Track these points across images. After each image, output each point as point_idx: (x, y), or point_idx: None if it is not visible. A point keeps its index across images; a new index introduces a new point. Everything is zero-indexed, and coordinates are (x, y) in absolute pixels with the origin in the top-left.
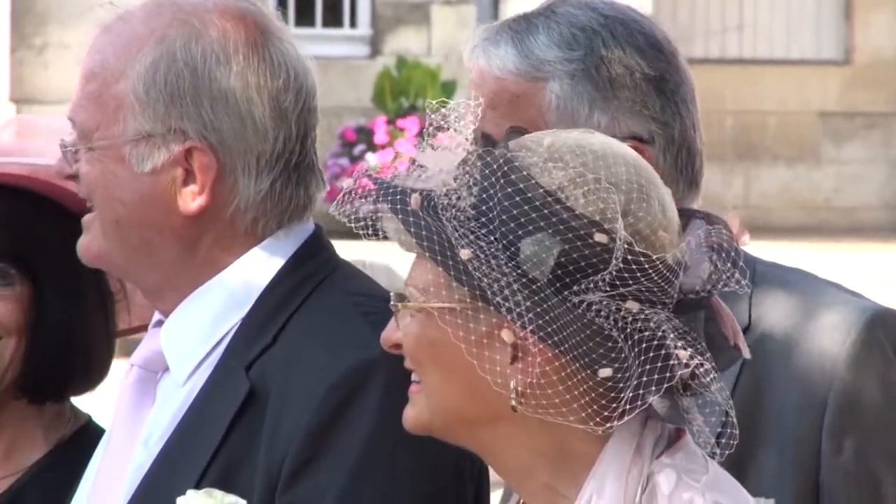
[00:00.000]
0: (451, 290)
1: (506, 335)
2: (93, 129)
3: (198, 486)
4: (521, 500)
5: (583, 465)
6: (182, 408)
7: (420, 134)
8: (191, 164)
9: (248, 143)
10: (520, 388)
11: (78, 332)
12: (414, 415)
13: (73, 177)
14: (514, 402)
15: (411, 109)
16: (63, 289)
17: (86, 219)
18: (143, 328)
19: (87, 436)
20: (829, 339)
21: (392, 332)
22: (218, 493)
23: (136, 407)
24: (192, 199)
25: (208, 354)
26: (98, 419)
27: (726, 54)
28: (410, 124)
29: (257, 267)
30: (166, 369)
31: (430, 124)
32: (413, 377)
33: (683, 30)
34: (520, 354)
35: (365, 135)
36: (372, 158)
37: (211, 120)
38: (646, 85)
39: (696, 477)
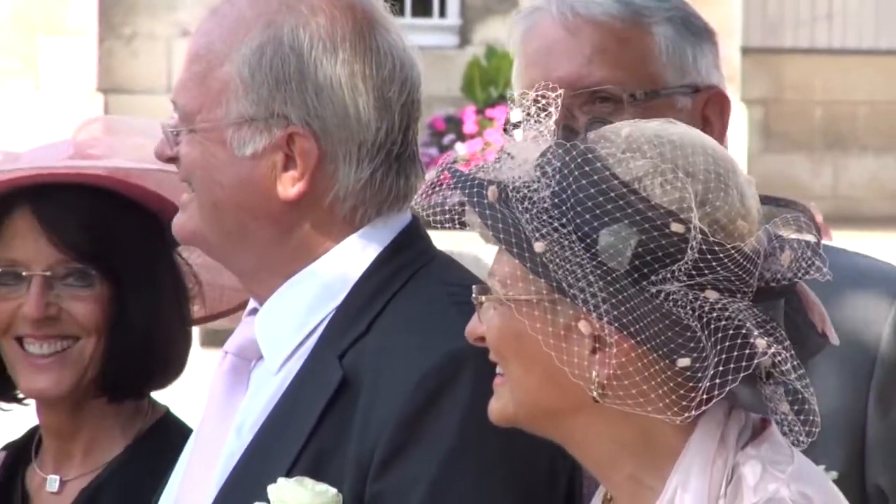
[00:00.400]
0: (529, 282)
1: (584, 327)
2: (195, 112)
3: (289, 475)
4: (608, 493)
5: (667, 456)
6: (275, 396)
7: (505, 125)
8: (292, 150)
9: (350, 132)
10: (599, 380)
11: (156, 331)
12: (499, 407)
13: (173, 159)
14: (594, 394)
15: (500, 99)
16: (142, 288)
17: (183, 199)
18: (213, 317)
19: (165, 428)
20: (874, 306)
21: (476, 326)
22: (309, 482)
23: (229, 394)
24: (291, 185)
25: (302, 342)
26: (179, 408)
27: (815, 44)
28: (499, 114)
29: (353, 255)
30: (260, 357)
31: (508, 120)
32: (497, 370)
33: (773, 20)
34: (598, 346)
35: (454, 125)
36: (461, 148)
37: (315, 107)
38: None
39: (782, 468)
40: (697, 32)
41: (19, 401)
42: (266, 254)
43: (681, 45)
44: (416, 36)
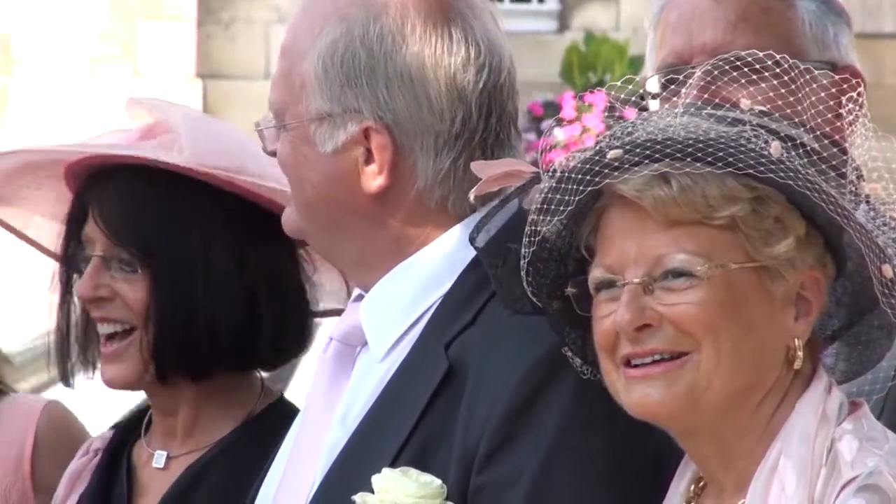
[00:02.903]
0: (739, 251)
1: (809, 293)
2: (283, 109)
3: (393, 465)
4: (700, 480)
5: (772, 431)
6: (380, 384)
7: (609, 108)
8: (369, 145)
9: (424, 123)
10: (800, 345)
11: (201, 316)
12: (676, 392)
13: (274, 154)
14: (798, 364)
15: (599, 84)
16: (181, 274)
17: (290, 194)
18: (335, 312)
19: (277, 412)
20: None
21: (639, 313)
22: (413, 472)
23: (333, 381)
24: (372, 179)
25: (407, 331)
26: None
27: None
28: (598, 99)
29: (459, 244)
30: (364, 344)
31: (647, 93)
32: (656, 356)
33: (872, 5)
34: (798, 313)
35: (552, 110)
36: (559, 133)
37: (386, 100)
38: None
39: (878, 444)
40: (837, 12)
41: None
42: (366, 245)
43: (823, 21)
44: (514, 21)
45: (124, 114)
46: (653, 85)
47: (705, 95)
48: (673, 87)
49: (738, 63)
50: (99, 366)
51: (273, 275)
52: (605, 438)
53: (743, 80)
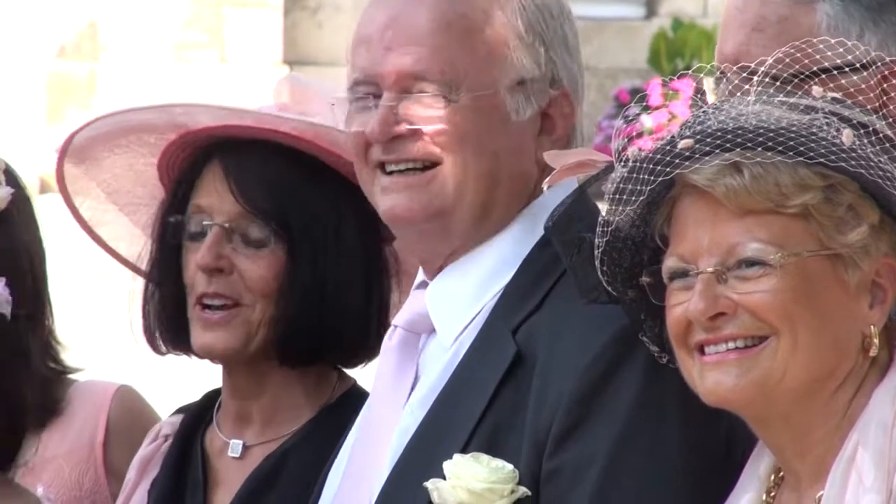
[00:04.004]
0: (815, 239)
1: (884, 280)
2: (459, 80)
3: (464, 451)
4: (779, 470)
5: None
6: (448, 371)
7: (697, 93)
8: (552, 113)
9: (580, 95)
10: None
11: (331, 297)
12: (752, 379)
13: (396, 138)
14: (874, 351)
15: (686, 71)
16: (319, 252)
17: (414, 179)
18: None
19: (352, 400)
20: None
21: (713, 301)
22: (484, 458)
23: (398, 368)
24: (548, 148)
25: (474, 317)
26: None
27: None
28: (685, 86)
29: (524, 230)
30: (430, 331)
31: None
32: (730, 344)
33: None
34: (874, 300)
35: (639, 97)
36: (646, 120)
37: (568, 68)
38: None
39: None
40: (872, 6)
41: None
42: (478, 226)
43: (845, 23)
44: (602, 8)
45: (211, 99)
46: (709, 85)
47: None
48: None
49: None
50: (195, 333)
51: (384, 265)
52: (677, 420)
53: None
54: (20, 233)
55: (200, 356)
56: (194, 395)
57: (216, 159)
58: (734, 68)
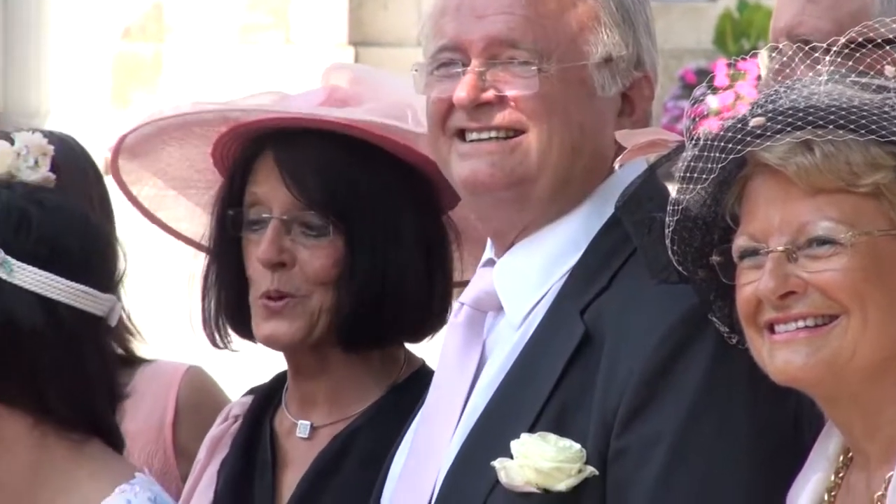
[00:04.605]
0: (885, 216)
1: None
2: (550, 50)
3: (532, 430)
4: (848, 452)
5: None
6: (515, 350)
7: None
8: (632, 95)
9: (657, 80)
10: None
11: (390, 284)
12: (822, 358)
13: (482, 104)
14: None
15: (752, 52)
16: (377, 242)
17: (511, 143)
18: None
19: (420, 380)
20: None
21: (783, 280)
22: (552, 437)
23: (464, 346)
24: (627, 128)
25: (543, 296)
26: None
27: None
28: (751, 67)
29: (593, 210)
30: (498, 309)
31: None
32: (800, 323)
33: None
34: None
35: (705, 77)
36: (713, 101)
37: (651, 52)
38: None
39: None
40: None
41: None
42: (555, 199)
43: None
44: None
45: (276, 81)
46: (763, 60)
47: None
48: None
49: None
50: (257, 323)
51: (444, 249)
52: (745, 399)
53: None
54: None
55: (264, 345)
56: (260, 378)
57: (268, 150)
58: (788, 43)
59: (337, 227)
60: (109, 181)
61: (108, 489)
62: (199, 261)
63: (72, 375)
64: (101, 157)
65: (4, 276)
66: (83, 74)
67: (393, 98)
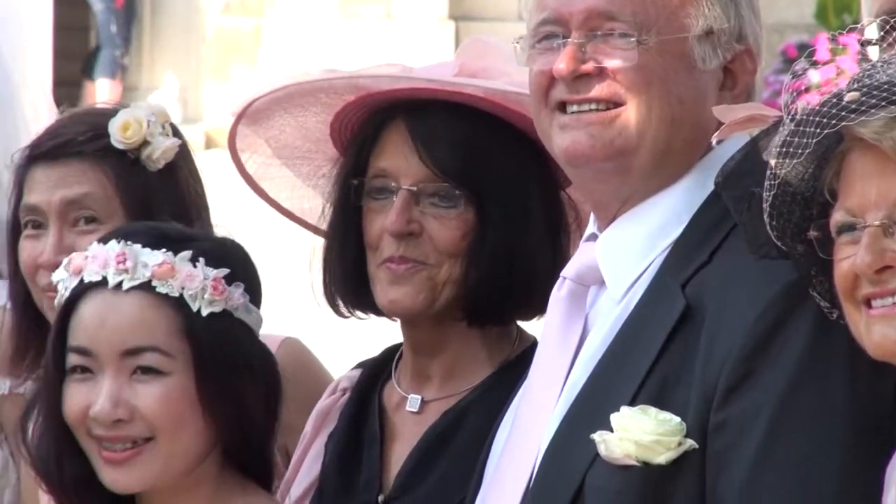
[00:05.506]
0: None
1: None
2: (651, 22)
3: (632, 404)
4: None
5: None
6: (617, 324)
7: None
8: (734, 68)
9: (760, 55)
10: None
11: (520, 259)
12: None
13: (582, 76)
14: None
15: (853, 26)
16: (507, 215)
17: (610, 114)
18: None
19: (532, 357)
20: None
21: (879, 255)
22: (653, 411)
23: (566, 320)
24: (724, 104)
25: (644, 270)
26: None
27: None
28: (852, 41)
29: (694, 184)
30: (600, 283)
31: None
32: (887, 300)
33: None
34: None
35: (806, 52)
36: (814, 75)
37: (753, 27)
38: None
39: None
40: None
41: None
42: (655, 172)
43: None
44: None
45: (376, 55)
46: (872, 31)
47: None
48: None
49: None
50: (380, 289)
51: (565, 226)
52: (844, 374)
53: None
54: (188, 184)
55: (386, 313)
56: (360, 352)
57: (400, 121)
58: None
59: (468, 198)
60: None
61: None
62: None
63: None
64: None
65: (244, 319)
66: (184, 49)
67: (523, 74)
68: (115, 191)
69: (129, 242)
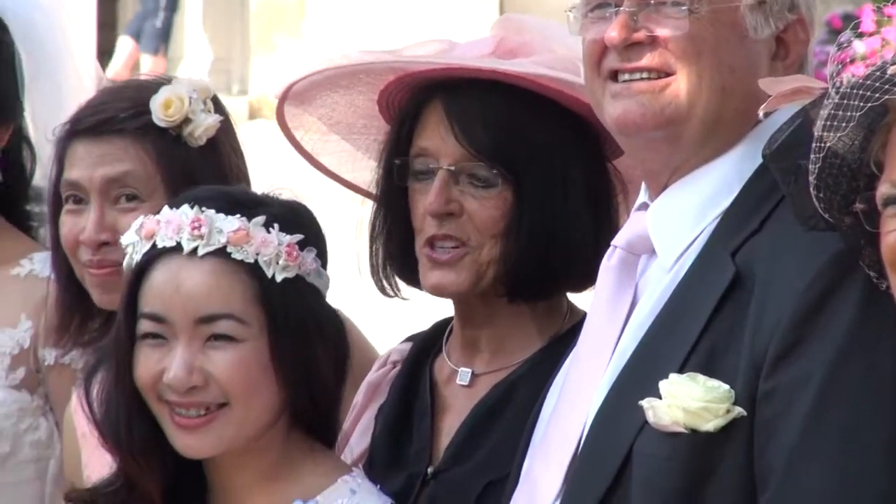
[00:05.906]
0: None
1: None
2: None
3: (681, 371)
4: None
5: None
6: (666, 292)
7: None
8: (787, 38)
9: (813, 25)
10: None
11: (558, 236)
12: None
13: (634, 45)
14: None
15: None
16: (546, 193)
17: (661, 83)
18: None
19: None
20: None
21: None
22: (701, 378)
23: (616, 288)
24: (780, 73)
25: (695, 239)
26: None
27: None
28: None
29: (745, 154)
30: (650, 252)
31: None
32: None
33: None
34: None
35: (852, 23)
36: (859, 46)
37: None
38: None
39: None
40: None
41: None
42: (706, 141)
43: None
44: None
45: (418, 27)
46: None
47: None
48: None
49: None
50: (424, 273)
51: (611, 199)
52: (892, 346)
53: None
54: (230, 159)
55: (431, 294)
56: (412, 326)
57: (437, 100)
58: None
59: (505, 178)
60: (258, 125)
61: (333, 480)
62: (367, 207)
63: (334, 372)
64: (245, 100)
65: (316, 283)
66: (226, 20)
67: (562, 50)
68: (157, 168)
69: (202, 208)
